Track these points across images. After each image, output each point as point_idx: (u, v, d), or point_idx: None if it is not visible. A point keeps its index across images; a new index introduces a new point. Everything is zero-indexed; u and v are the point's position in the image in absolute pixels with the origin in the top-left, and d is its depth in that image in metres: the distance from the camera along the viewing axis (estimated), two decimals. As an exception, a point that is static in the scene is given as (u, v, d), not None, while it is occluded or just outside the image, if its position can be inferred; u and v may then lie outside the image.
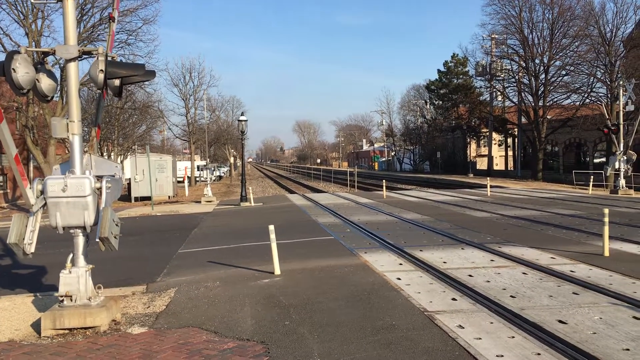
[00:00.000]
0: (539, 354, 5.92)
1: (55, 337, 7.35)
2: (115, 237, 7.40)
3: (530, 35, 51.48)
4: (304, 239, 15.12)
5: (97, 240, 7.26)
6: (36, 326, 7.78)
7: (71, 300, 7.57)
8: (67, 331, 7.43)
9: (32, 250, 7.54)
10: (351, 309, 7.97)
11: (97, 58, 7.48)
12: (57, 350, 6.84)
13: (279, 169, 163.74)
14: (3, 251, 15.36)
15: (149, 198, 34.11)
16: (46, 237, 13.03)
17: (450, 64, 72.54)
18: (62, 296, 7.57)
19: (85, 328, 7.47)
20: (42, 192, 7.51)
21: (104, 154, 48.48)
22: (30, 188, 7.45)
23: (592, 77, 46.67)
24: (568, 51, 49.07)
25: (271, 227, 10.88)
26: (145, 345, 6.82)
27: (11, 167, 7.27)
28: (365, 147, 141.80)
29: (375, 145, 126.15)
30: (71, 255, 7.73)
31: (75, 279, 7.59)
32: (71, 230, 7.64)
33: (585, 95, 47.87)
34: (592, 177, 33.96)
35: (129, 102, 45.19)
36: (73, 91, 7.74)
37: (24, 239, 7.39)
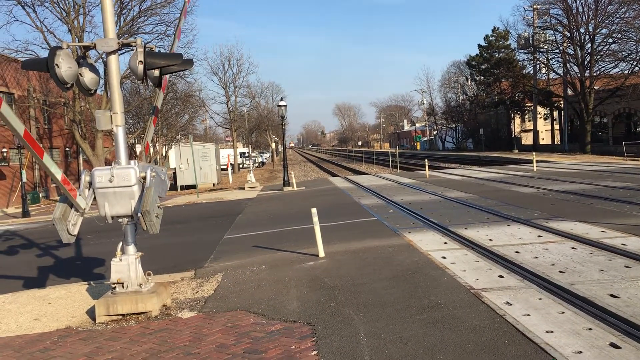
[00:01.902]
0: (590, 328, 5.79)
1: (109, 322, 7.61)
2: (157, 217, 7.49)
3: (574, 4, 49.69)
4: (347, 221, 15.14)
5: (139, 215, 7.40)
6: (91, 313, 8.08)
7: (123, 287, 7.81)
8: (120, 317, 7.69)
9: (76, 232, 7.70)
10: (396, 288, 7.96)
11: (136, 50, 7.62)
12: (111, 335, 7.08)
13: (320, 152, 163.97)
14: (57, 242, 15.93)
15: (194, 186, 34.76)
16: (96, 227, 13.46)
17: (491, 38, 70.74)
18: (114, 283, 7.82)
19: (137, 313, 7.70)
20: (90, 183, 7.74)
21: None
22: (80, 196, 7.63)
23: (641, 44, 44.83)
24: (614, 18, 47.19)
25: (314, 210, 10.93)
26: (195, 329, 6.99)
27: (60, 187, 7.45)
28: (407, 127, 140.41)
29: (417, 125, 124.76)
30: (121, 244, 7.96)
31: (126, 266, 7.82)
32: (119, 220, 7.86)
33: (634, 63, 46.08)
34: (643, 147, 32.76)
35: (171, 93, 45.87)
36: (115, 83, 7.92)
37: (68, 218, 7.58)
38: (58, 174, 7.26)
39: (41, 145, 7.10)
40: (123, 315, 7.69)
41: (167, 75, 9.42)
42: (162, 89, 9.26)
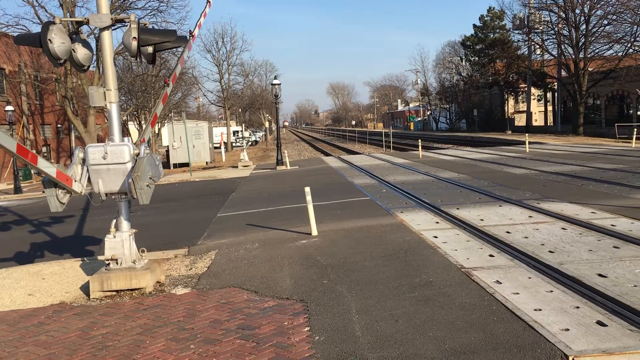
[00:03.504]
0: (578, 307, 5.90)
1: (104, 298, 7.67)
2: (148, 186, 7.37)
3: (570, -16, 49.35)
4: (340, 200, 15.20)
5: (130, 181, 7.34)
6: (85, 288, 8.13)
7: (117, 263, 7.86)
8: (114, 293, 7.75)
9: (65, 201, 7.52)
10: (388, 267, 8.05)
11: (130, 26, 7.56)
12: (105, 311, 7.14)
13: (314, 132, 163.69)
14: (50, 219, 15.94)
15: (187, 164, 34.71)
16: (89, 204, 13.44)
17: (486, 18, 70.39)
18: (107, 260, 7.86)
19: (131, 290, 7.76)
20: (84, 160, 7.72)
21: (142, 122, 49.24)
22: (76, 182, 7.57)
23: (635, 26, 44.72)
24: (610, -1, 46.98)
25: (307, 189, 10.98)
26: (189, 305, 7.06)
27: (56, 182, 7.36)
28: (401, 107, 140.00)
29: (411, 105, 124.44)
30: (115, 221, 7.99)
31: (120, 242, 7.86)
32: (113, 196, 7.87)
33: (629, 45, 45.95)
34: (635, 129, 32.87)
35: (164, 70, 45.55)
36: (108, 60, 7.87)
37: (58, 185, 7.42)
38: (53, 172, 7.13)
39: (34, 151, 7.06)
40: (117, 291, 7.76)
41: (169, 89, 9.39)
42: (162, 100, 9.23)
